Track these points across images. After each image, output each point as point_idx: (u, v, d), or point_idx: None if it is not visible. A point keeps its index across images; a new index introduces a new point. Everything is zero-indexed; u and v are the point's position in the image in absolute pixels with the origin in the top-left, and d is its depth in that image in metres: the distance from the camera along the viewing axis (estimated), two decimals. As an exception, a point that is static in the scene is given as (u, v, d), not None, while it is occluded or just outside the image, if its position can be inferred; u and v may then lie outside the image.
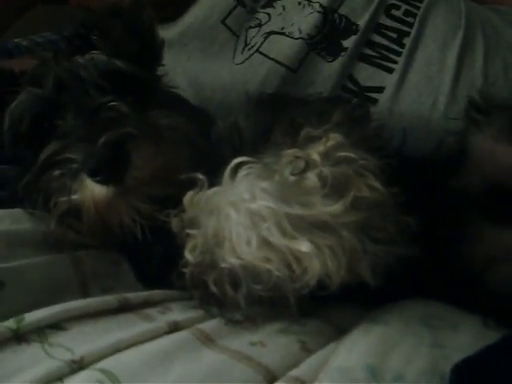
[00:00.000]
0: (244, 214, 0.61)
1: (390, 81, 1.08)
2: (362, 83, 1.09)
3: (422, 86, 1.08)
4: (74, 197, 0.71)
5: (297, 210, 0.60)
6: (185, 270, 0.66)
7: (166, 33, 1.13)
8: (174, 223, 0.67)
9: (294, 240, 0.59)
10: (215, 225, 0.63)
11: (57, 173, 0.72)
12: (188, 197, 0.66)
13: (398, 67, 1.09)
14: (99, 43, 0.82)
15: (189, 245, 0.65)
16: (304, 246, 0.59)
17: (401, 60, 1.10)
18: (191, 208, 0.66)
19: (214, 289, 0.65)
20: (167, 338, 0.62)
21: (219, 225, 0.63)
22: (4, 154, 0.83)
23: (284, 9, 1.15)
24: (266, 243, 0.60)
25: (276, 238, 0.60)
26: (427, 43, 1.11)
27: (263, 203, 0.61)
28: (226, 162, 0.66)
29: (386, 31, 1.13)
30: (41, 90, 0.79)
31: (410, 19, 1.14)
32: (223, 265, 0.63)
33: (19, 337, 0.59)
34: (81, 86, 0.77)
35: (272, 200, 0.61)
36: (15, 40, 1.40)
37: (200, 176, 0.67)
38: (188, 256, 0.65)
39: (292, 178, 0.63)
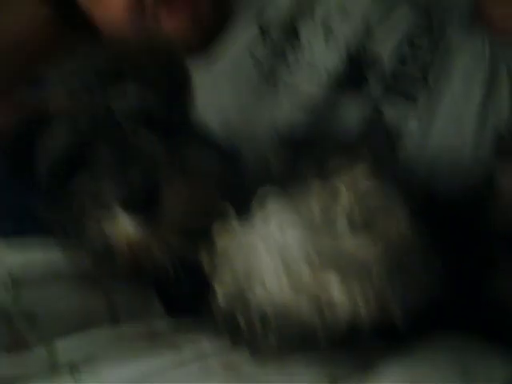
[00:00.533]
0: (273, 248, 0.62)
1: (415, 113, 1.08)
2: (388, 117, 1.09)
3: (449, 123, 1.08)
4: (106, 230, 0.72)
5: (326, 245, 0.61)
6: (214, 305, 0.67)
7: (197, 72, 1.16)
8: (205, 259, 0.68)
9: (325, 279, 0.60)
10: (244, 259, 0.64)
11: (89, 206, 0.73)
12: (218, 231, 0.68)
13: (423, 102, 1.10)
14: (132, 78, 0.82)
15: (218, 278, 0.66)
16: (335, 288, 0.60)
17: (426, 94, 1.10)
18: (221, 242, 0.67)
19: (243, 326, 0.65)
20: (194, 366, 0.63)
21: (249, 260, 0.64)
22: (37, 185, 0.83)
23: (309, 41, 1.17)
24: (295, 280, 0.61)
25: (306, 276, 0.60)
26: (452, 78, 1.12)
27: (292, 237, 0.62)
28: (255, 198, 0.68)
29: (410, 62, 1.13)
30: (74, 123, 0.79)
31: (434, 53, 1.14)
32: (253, 302, 0.63)
33: (50, 366, 0.60)
34: (114, 121, 0.78)
35: (301, 234, 0.62)
36: (47, 74, 1.44)
37: (230, 211, 0.68)
38: (218, 289, 0.66)
39: (320, 212, 0.64)
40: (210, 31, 1.19)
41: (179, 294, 0.76)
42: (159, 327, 0.71)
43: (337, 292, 0.59)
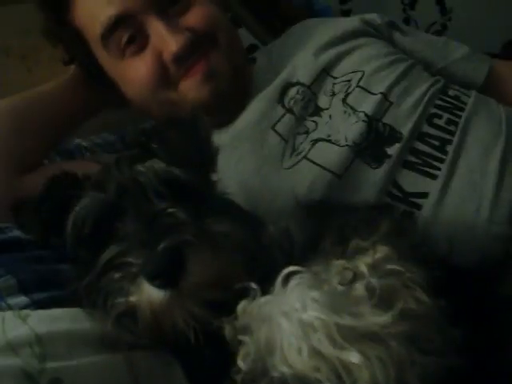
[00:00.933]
0: (295, 324, 0.63)
1: (433, 187, 1.10)
2: (407, 189, 1.11)
3: (466, 193, 1.09)
4: (131, 299, 0.73)
5: (347, 321, 0.62)
6: (236, 376, 0.67)
7: (218, 137, 1.20)
8: (227, 330, 0.69)
9: (344, 350, 0.61)
10: (267, 333, 0.65)
11: (116, 276, 0.74)
12: (241, 306, 0.69)
13: (441, 174, 1.12)
14: (158, 151, 0.85)
15: (241, 352, 0.67)
16: (354, 357, 0.60)
17: (444, 167, 1.12)
18: (244, 316, 0.68)
19: None
20: None
21: (271, 334, 0.64)
22: (66, 254, 0.86)
23: (330, 117, 1.21)
24: (316, 353, 0.61)
25: (326, 348, 0.61)
26: (469, 150, 1.14)
27: (314, 314, 0.62)
28: (277, 267, 0.69)
29: (429, 139, 1.17)
30: (103, 194, 0.82)
31: (452, 128, 1.18)
32: (274, 373, 0.64)
33: None
34: (141, 192, 0.81)
35: (322, 310, 0.62)
36: (76, 140, 1.49)
37: (253, 285, 0.69)
38: (240, 363, 0.66)
39: (341, 289, 0.65)
40: (224, 93, 1.24)
41: (201, 362, 0.76)
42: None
43: (354, 358, 0.60)
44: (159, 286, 0.71)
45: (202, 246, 0.74)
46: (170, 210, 0.78)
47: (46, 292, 0.86)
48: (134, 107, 1.36)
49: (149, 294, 0.72)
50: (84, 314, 0.77)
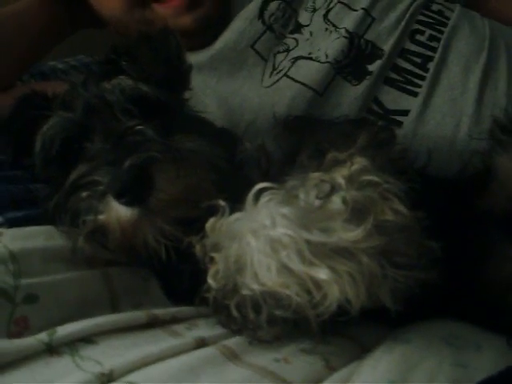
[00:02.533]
0: (264, 241, 0.62)
1: (414, 104, 1.10)
2: (387, 106, 1.11)
3: (446, 109, 1.09)
4: (100, 217, 0.73)
5: (317, 237, 0.61)
6: (207, 294, 0.67)
7: (196, 57, 1.16)
8: (198, 248, 0.68)
9: (313, 267, 0.60)
10: (236, 251, 0.64)
11: (84, 194, 0.74)
12: (210, 223, 0.68)
13: (422, 91, 1.11)
14: (127, 68, 0.84)
15: (211, 270, 0.66)
16: (323, 273, 0.59)
17: (425, 84, 1.11)
18: (213, 234, 0.67)
19: (235, 313, 0.66)
20: (194, 353, 0.63)
21: (240, 251, 0.64)
22: (36, 173, 0.86)
23: (311, 34, 1.18)
24: (285, 270, 0.61)
25: (295, 265, 0.60)
26: (450, 67, 1.13)
27: (283, 230, 0.61)
28: (252, 184, 0.67)
29: (410, 56, 1.15)
30: (71, 114, 0.81)
31: (434, 44, 1.16)
32: (245, 290, 0.63)
33: (51, 349, 0.61)
34: (108, 110, 0.80)
35: (292, 227, 0.61)
36: (50, 62, 1.45)
37: (222, 203, 0.68)
38: (210, 281, 0.66)
39: (317, 202, 0.64)
40: (208, 20, 1.20)
41: (176, 277, 0.77)
42: (158, 314, 0.70)
43: (324, 274, 0.59)
44: (127, 204, 0.71)
45: (168, 162, 0.73)
46: (138, 127, 0.77)
47: (19, 211, 0.85)
48: (110, 28, 1.31)
49: (117, 211, 0.72)
50: (57, 232, 0.77)
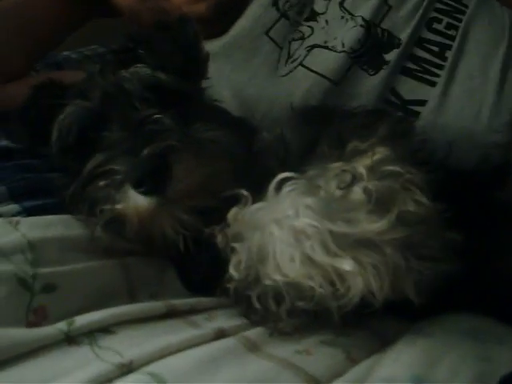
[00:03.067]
0: (287, 232, 0.61)
1: (432, 94, 1.08)
2: (405, 96, 1.09)
3: (465, 99, 1.08)
4: (117, 207, 0.72)
5: (341, 228, 0.60)
6: (229, 285, 0.67)
7: (210, 45, 1.15)
8: (219, 238, 0.68)
9: (338, 258, 0.59)
10: (259, 241, 0.64)
11: (102, 183, 0.73)
12: (232, 213, 0.67)
13: (440, 80, 1.09)
14: (145, 57, 0.83)
15: (233, 260, 0.66)
16: (347, 264, 0.59)
17: (443, 73, 1.10)
18: (235, 224, 0.67)
19: (257, 304, 0.65)
20: (214, 344, 0.62)
21: (263, 241, 0.63)
22: (53, 162, 0.85)
23: (327, 23, 1.16)
24: (309, 260, 0.60)
25: (319, 256, 0.60)
26: (469, 56, 1.11)
27: (307, 220, 0.61)
28: (271, 174, 0.67)
29: (427, 45, 1.13)
30: (88, 102, 0.80)
31: (451, 32, 1.14)
32: (267, 281, 0.63)
33: (69, 339, 0.60)
34: (126, 98, 0.79)
35: (316, 217, 0.61)
36: (65, 53, 1.44)
37: (244, 192, 0.67)
38: (232, 271, 0.66)
39: (338, 193, 0.63)
40: (223, 6, 1.18)
41: (195, 268, 0.76)
42: (177, 304, 0.70)
43: (348, 266, 0.59)
44: (145, 193, 0.70)
45: (187, 151, 0.72)
46: (156, 116, 0.76)
47: (37, 200, 0.85)
48: (124, 17, 1.30)
49: (135, 201, 0.71)
50: (75, 221, 0.77)
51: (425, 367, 0.59)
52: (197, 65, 0.90)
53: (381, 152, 0.67)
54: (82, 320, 0.62)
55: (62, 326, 0.61)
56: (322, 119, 0.83)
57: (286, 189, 0.65)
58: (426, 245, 0.63)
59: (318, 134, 0.76)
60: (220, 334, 0.65)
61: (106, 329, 0.63)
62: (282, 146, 0.80)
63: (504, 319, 0.72)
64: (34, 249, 0.69)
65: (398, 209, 0.61)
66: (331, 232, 0.60)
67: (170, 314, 0.68)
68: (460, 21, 1.15)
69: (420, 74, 1.11)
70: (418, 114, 1.07)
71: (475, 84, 1.08)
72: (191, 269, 0.77)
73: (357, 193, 0.63)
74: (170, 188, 0.71)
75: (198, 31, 0.90)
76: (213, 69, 0.97)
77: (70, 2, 1.29)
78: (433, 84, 1.09)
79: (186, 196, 0.72)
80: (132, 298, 0.73)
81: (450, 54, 1.11)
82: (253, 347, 0.63)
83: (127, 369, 0.56)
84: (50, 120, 0.82)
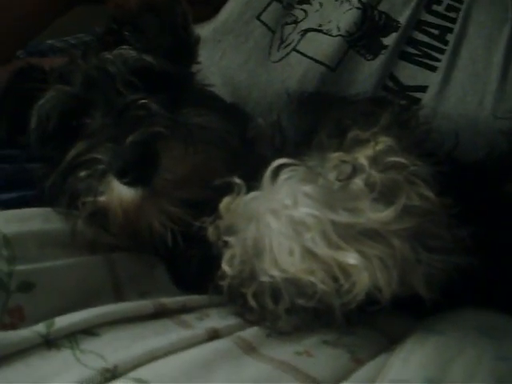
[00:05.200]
0: (285, 223, 0.58)
1: (433, 80, 1.05)
2: (404, 82, 1.06)
3: (468, 85, 1.04)
4: (100, 199, 0.69)
5: (343, 218, 0.57)
6: (222, 282, 0.63)
7: (201, 30, 1.11)
8: (210, 231, 0.64)
9: (341, 250, 0.56)
10: (254, 234, 0.60)
11: (83, 173, 0.70)
12: (225, 203, 0.64)
13: (441, 65, 1.06)
14: (131, 39, 0.80)
15: (226, 255, 0.63)
16: (351, 258, 0.56)
17: (444, 58, 1.06)
18: (228, 215, 0.63)
19: (252, 303, 0.62)
20: (207, 346, 0.59)
21: (259, 234, 0.60)
22: (31, 152, 0.82)
23: (321, 5, 1.13)
24: (310, 254, 0.57)
25: (321, 249, 0.56)
26: (472, 39, 1.08)
27: (306, 210, 0.57)
28: (266, 163, 0.63)
29: (427, 28, 1.10)
30: (69, 87, 0.78)
31: (452, 14, 1.10)
32: (263, 277, 0.60)
33: (49, 342, 0.57)
34: (110, 82, 0.76)
35: (316, 206, 0.57)
36: (49, 41, 1.41)
37: (237, 180, 0.64)
38: (225, 267, 0.63)
39: (337, 184, 0.60)
40: None
41: (185, 264, 0.73)
42: (167, 303, 0.66)
43: (352, 259, 0.55)
44: (129, 184, 0.67)
45: (175, 138, 0.69)
46: (142, 101, 0.73)
47: (14, 192, 0.82)
48: (109, 3, 1.26)
49: (119, 192, 0.68)
50: (55, 214, 0.73)
51: (438, 368, 0.55)
52: (186, 47, 0.87)
53: (384, 142, 0.63)
54: (63, 321, 0.59)
55: (40, 328, 0.57)
56: (320, 106, 0.80)
57: (283, 176, 0.61)
58: (436, 235, 0.60)
59: (316, 121, 0.73)
60: (213, 335, 0.61)
61: (89, 331, 0.59)
62: (279, 134, 0.77)
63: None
64: (9, 244, 0.65)
65: (403, 199, 0.58)
66: (333, 222, 0.56)
67: (159, 314, 0.65)
68: (461, 2, 1.11)
69: (420, 59, 1.07)
70: (418, 100, 1.04)
71: (478, 69, 1.05)
72: (181, 265, 0.74)
73: (358, 184, 0.59)
74: (156, 178, 0.68)
75: (187, 12, 0.86)
76: (203, 55, 0.93)
77: None
78: (433, 69, 1.06)
79: (174, 187, 0.69)
80: (119, 297, 0.69)
81: (451, 38, 1.08)
82: (249, 349, 0.59)
83: (111, 374, 0.53)
84: (29, 106, 0.79)
